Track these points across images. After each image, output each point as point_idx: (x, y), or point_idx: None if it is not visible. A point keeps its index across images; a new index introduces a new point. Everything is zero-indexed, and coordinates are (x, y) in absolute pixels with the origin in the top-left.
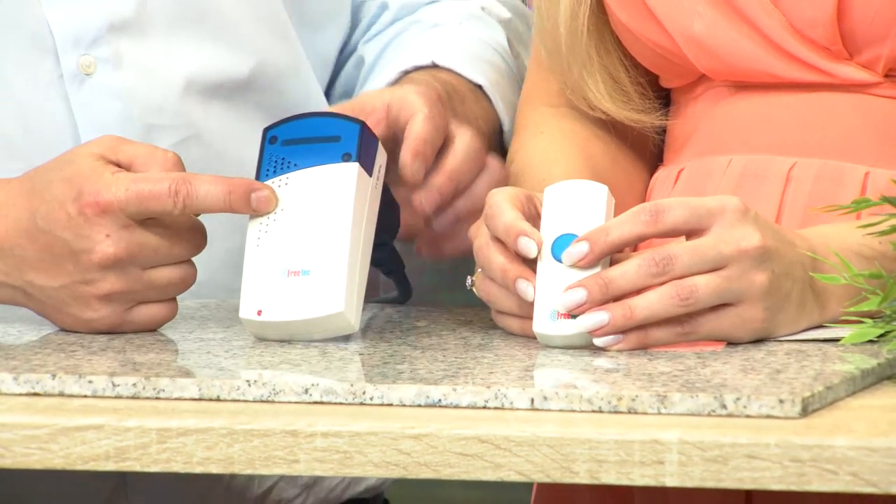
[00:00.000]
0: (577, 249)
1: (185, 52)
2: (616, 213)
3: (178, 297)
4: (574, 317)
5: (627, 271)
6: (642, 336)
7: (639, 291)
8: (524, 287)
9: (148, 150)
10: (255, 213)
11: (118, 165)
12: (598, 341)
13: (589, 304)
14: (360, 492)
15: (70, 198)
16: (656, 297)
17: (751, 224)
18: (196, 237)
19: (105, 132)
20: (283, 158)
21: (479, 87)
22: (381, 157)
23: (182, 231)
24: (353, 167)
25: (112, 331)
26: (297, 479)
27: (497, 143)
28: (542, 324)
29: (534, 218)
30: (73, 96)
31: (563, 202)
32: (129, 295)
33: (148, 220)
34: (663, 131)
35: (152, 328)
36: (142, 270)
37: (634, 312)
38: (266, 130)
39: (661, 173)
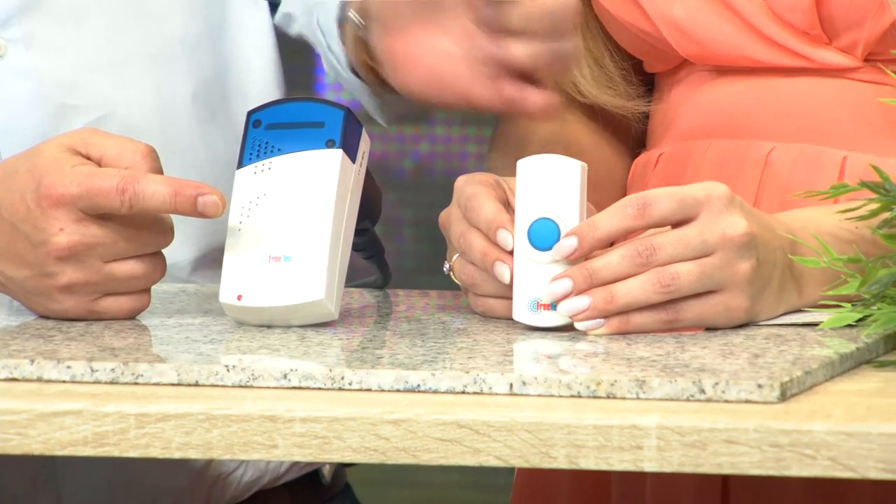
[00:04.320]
0: (567, 244)
1: (96, 29)
2: (598, 198)
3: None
4: (554, 306)
5: (611, 262)
6: (624, 321)
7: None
8: (501, 269)
9: (119, 143)
10: (202, 217)
11: (89, 158)
12: (579, 325)
13: (574, 294)
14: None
15: (30, 189)
16: (637, 284)
17: (737, 211)
18: (160, 231)
19: (17, 113)
20: (266, 142)
21: None
22: (365, 144)
23: (143, 225)
24: (337, 154)
25: (84, 318)
26: None
27: None
28: (522, 314)
29: (506, 204)
30: None
31: (538, 180)
32: (91, 287)
33: (106, 214)
34: (647, 118)
35: (123, 319)
36: (102, 263)
37: (615, 298)
38: (250, 114)
39: (642, 158)
